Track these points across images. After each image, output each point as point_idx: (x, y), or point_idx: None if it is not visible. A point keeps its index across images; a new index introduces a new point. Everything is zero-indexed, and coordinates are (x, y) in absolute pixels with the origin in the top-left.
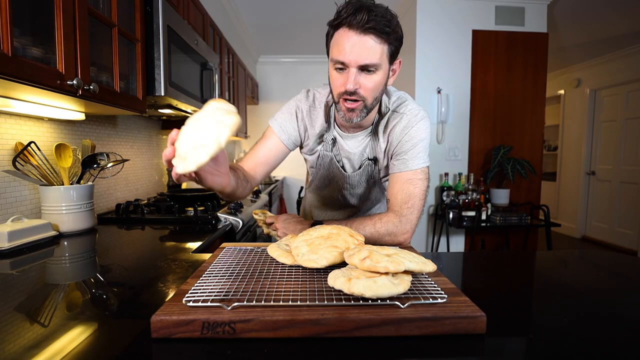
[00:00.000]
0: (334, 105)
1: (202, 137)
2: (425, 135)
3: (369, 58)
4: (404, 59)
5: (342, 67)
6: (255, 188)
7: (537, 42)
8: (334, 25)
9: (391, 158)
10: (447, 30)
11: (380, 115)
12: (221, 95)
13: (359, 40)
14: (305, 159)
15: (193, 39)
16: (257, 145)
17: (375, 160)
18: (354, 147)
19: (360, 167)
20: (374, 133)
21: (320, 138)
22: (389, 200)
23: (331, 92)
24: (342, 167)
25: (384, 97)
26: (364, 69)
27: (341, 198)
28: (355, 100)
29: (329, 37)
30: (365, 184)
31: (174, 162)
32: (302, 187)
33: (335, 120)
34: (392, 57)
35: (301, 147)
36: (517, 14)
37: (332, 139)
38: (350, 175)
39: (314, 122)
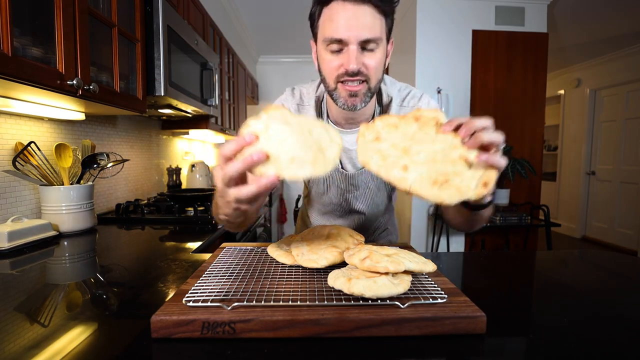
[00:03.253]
0: (324, 98)
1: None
2: None
3: (370, 32)
4: (404, 59)
5: (339, 46)
6: None
7: (537, 42)
8: (323, 1)
9: None
10: (447, 30)
11: (382, 106)
12: (221, 95)
13: (357, 11)
14: None
15: (193, 39)
16: None
17: None
18: (353, 144)
19: (363, 166)
20: None
21: None
22: None
23: (324, 80)
24: (342, 167)
25: (382, 85)
26: (365, 45)
27: (345, 203)
28: (359, 82)
29: (315, 17)
30: (372, 185)
31: (264, 167)
32: (299, 197)
33: (328, 116)
34: (389, 33)
35: None
36: (517, 14)
37: None
38: (352, 175)
39: None
